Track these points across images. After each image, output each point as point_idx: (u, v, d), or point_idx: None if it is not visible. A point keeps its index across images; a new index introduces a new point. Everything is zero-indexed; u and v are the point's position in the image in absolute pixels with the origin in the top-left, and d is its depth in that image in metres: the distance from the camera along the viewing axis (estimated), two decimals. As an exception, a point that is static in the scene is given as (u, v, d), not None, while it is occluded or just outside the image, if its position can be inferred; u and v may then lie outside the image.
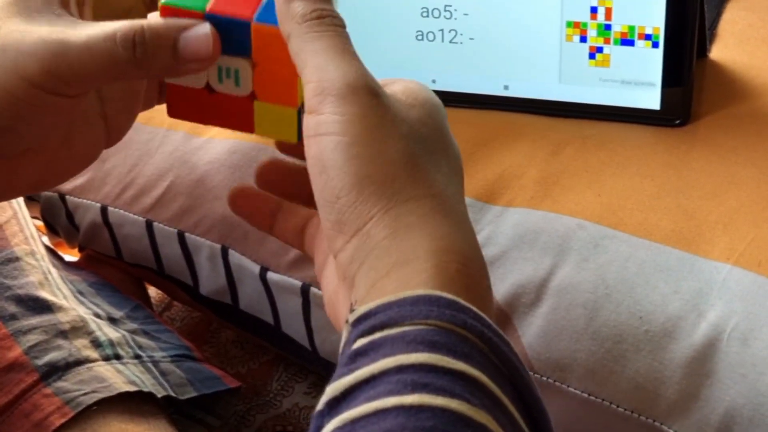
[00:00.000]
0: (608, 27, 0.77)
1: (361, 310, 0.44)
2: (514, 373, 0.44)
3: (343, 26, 0.50)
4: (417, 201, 0.47)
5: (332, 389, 0.42)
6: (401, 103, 0.50)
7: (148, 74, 0.53)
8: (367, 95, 0.47)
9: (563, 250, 0.70)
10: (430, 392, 0.40)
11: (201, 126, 0.68)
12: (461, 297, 0.44)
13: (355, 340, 0.43)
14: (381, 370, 0.41)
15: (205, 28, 0.52)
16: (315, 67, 0.48)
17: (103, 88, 0.59)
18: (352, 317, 0.44)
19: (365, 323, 0.44)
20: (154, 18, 0.54)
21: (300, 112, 0.54)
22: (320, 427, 0.41)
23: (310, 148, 0.48)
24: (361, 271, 0.47)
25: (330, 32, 0.49)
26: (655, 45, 0.76)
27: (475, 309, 0.44)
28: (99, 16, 0.56)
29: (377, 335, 0.43)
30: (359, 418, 0.40)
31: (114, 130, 0.60)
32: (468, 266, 0.46)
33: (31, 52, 0.52)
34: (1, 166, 0.56)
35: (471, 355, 0.42)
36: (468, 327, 0.43)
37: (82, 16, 0.55)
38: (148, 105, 0.62)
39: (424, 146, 0.49)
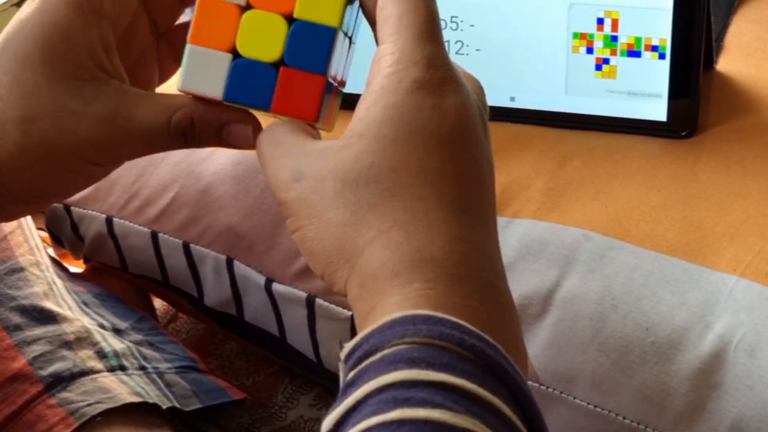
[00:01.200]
0: (615, 38, 0.77)
1: (348, 346, 0.45)
2: (503, 375, 0.44)
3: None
4: (370, 247, 0.48)
5: (327, 424, 0.43)
6: (331, 153, 0.50)
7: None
8: (293, 186, 0.50)
9: (569, 261, 0.69)
10: (410, 406, 0.41)
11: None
12: (427, 309, 0.45)
13: (347, 375, 0.45)
14: (365, 394, 0.42)
15: (248, 129, 0.56)
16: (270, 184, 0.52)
17: None
18: (342, 354, 0.46)
19: (353, 357, 0.45)
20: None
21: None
22: None
23: None
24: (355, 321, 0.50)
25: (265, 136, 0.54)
26: (662, 56, 0.76)
27: (452, 318, 0.44)
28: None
29: (363, 365, 0.44)
30: None
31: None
32: (435, 280, 0.46)
33: (92, 139, 0.56)
34: None
35: (452, 364, 0.43)
36: (446, 338, 0.43)
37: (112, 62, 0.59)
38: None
39: (370, 180, 0.48)
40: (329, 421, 0.43)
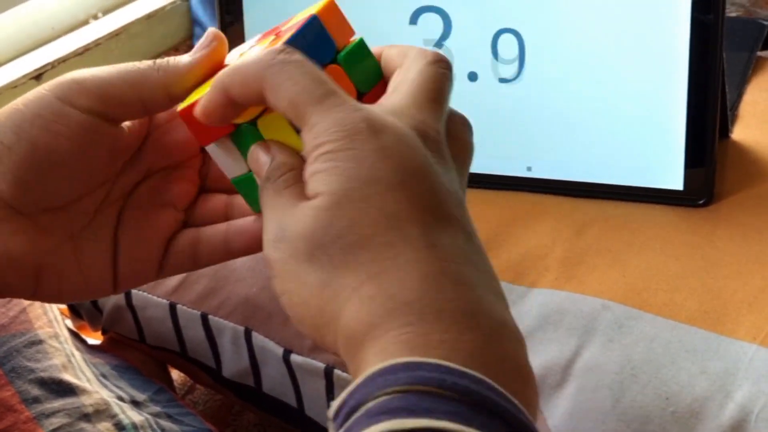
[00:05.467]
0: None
1: (335, 404, 0.45)
2: (493, 407, 0.43)
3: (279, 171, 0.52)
4: (347, 306, 0.47)
5: None
6: (300, 214, 0.49)
7: (171, 94, 0.55)
8: (277, 245, 0.49)
9: (588, 330, 0.69)
10: None
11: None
12: (404, 355, 0.44)
13: None
14: None
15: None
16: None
17: (123, 219, 0.59)
18: (330, 413, 0.45)
19: (341, 414, 0.44)
20: None
21: None
22: None
23: None
24: None
25: (266, 190, 0.52)
26: (678, 126, 0.76)
27: (431, 360, 0.44)
28: None
29: (350, 421, 0.43)
30: None
31: (123, 267, 0.59)
32: (410, 323, 0.46)
33: (64, 77, 0.55)
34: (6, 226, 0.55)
35: (433, 407, 0.42)
36: (426, 381, 0.43)
37: None
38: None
39: (335, 238, 0.48)
40: None
